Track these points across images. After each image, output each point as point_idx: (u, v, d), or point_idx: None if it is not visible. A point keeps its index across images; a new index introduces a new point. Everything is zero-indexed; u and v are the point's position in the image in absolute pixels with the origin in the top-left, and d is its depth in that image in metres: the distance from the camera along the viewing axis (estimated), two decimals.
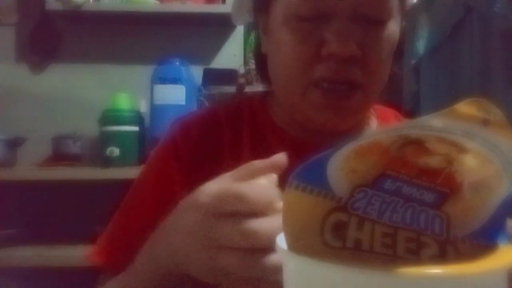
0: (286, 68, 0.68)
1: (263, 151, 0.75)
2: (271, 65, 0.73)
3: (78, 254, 1.68)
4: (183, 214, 0.53)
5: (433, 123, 0.29)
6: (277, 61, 0.70)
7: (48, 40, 2.15)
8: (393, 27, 0.67)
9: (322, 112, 0.67)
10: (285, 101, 0.74)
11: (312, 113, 0.68)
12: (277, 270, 0.42)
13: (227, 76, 1.94)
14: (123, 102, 1.92)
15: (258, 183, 0.48)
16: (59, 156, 1.98)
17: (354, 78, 0.65)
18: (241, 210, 0.46)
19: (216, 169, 0.75)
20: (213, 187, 0.50)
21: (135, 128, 1.89)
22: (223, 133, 0.76)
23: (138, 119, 1.92)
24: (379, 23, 0.65)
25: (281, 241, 0.35)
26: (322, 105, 0.67)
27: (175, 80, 1.90)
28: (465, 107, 0.28)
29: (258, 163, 0.51)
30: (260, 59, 0.77)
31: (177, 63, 1.93)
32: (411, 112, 1.69)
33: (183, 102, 1.89)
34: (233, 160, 0.74)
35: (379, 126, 0.79)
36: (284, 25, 0.67)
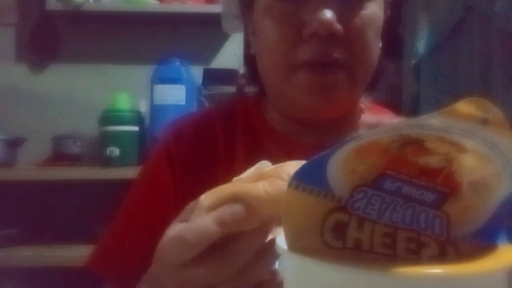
0: (271, 54, 0.68)
1: (257, 152, 0.75)
2: (259, 60, 0.73)
3: (78, 254, 1.68)
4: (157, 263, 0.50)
5: (432, 122, 0.29)
6: (263, 51, 0.70)
7: (48, 40, 2.15)
8: (375, 8, 0.67)
9: (308, 94, 0.66)
10: (273, 91, 0.73)
11: (299, 97, 0.67)
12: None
13: (227, 76, 1.94)
14: (123, 102, 1.92)
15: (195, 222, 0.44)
16: (59, 156, 1.98)
17: (338, 58, 0.65)
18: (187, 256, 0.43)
19: (211, 171, 0.75)
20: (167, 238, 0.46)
21: (135, 128, 1.89)
22: (217, 135, 0.76)
23: (138, 119, 1.92)
24: (359, 1, 0.65)
25: (281, 241, 0.35)
26: (308, 86, 0.66)
27: (175, 80, 1.90)
28: (464, 106, 0.28)
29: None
30: (250, 62, 0.77)
31: (177, 63, 1.93)
32: (411, 112, 1.69)
33: (183, 102, 1.89)
34: (228, 161, 0.74)
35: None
36: (266, 13, 0.67)
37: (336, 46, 0.64)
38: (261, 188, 0.42)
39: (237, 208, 0.42)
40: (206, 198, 0.44)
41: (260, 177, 0.45)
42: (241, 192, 0.43)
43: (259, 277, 0.45)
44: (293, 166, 0.44)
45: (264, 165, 0.47)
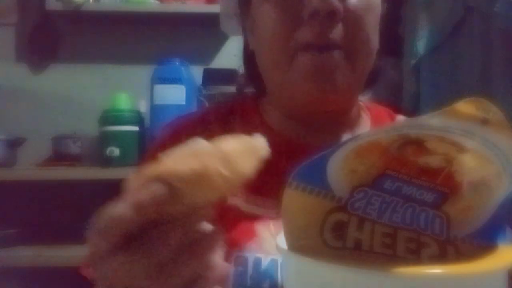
0: (271, 41, 0.68)
1: None
2: (258, 54, 0.73)
3: (78, 254, 1.68)
4: None
5: (432, 122, 0.29)
6: (262, 40, 0.70)
7: (48, 40, 2.14)
8: None
9: (309, 78, 0.66)
10: (273, 84, 0.72)
11: (299, 83, 0.67)
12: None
13: (227, 76, 1.93)
14: (123, 102, 1.92)
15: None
16: (59, 156, 1.98)
17: (337, 40, 0.65)
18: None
19: None
20: None
21: (135, 128, 1.89)
22: (214, 135, 0.75)
23: (138, 119, 1.92)
24: None
25: (281, 241, 0.35)
26: (308, 70, 0.65)
27: (175, 80, 1.90)
28: (464, 106, 0.28)
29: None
30: (249, 59, 0.77)
31: (177, 63, 1.93)
32: (411, 112, 1.69)
33: (183, 102, 1.89)
34: None
35: (372, 124, 0.78)
36: (266, 0, 0.68)
37: (335, 27, 0.64)
38: (186, 166, 0.37)
39: (156, 188, 0.37)
40: (131, 180, 0.40)
41: (191, 155, 0.39)
42: (164, 170, 0.38)
43: (192, 271, 0.40)
44: (228, 142, 0.40)
45: (198, 143, 0.42)
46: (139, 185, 0.39)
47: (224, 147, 0.39)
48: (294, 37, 0.66)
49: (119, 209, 0.38)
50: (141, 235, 0.38)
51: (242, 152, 0.40)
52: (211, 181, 0.37)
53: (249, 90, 0.86)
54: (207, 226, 0.41)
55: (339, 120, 0.74)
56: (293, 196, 0.34)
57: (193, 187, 0.38)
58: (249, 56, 0.77)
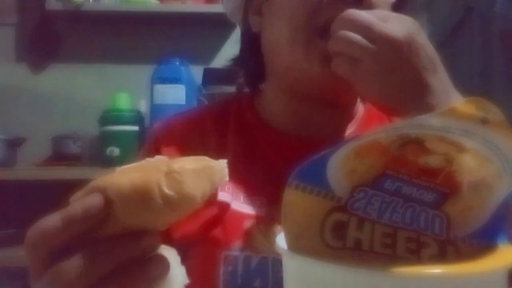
0: (292, 20, 0.66)
1: (250, 151, 0.74)
2: (269, 35, 0.72)
3: None
4: None
5: (432, 122, 0.29)
6: (279, 19, 0.68)
7: (48, 40, 2.14)
8: None
9: (326, 65, 0.63)
10: (285, 63, 0.70)
11: (315, 66, 0.65)
12: None
13: (227, 76, 1.93)
14: (123, 102, 1.92)
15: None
16: (59, 156, 1.98)
17: None
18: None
19: None
20: None
21: (135, 128, 1.89)
22: (208, 133, 0.75)
23: (138, 119, 1.92)
24: None
25: (281, 241, 0.35)
26: (326, 56, 0.63)
27: (175, 80, 1.90)
28: (464, 106, 0.28)
29: None
30: (249, 44, 0.76)
31: (177, 63, 1.93)
32: None
33: (183, 102, 1.89)
34: (219, 158, 0.73)
35: (365, 116, 0.77)
36: None
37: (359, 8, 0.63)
38: (128, 179, 0.35)
39: (90, 200, 0.36)
40: (77, 193, 0.38)
41: (140, 169, 0.37)
42: (105, 182, 0.36)
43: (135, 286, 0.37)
44: (181, 160, 0.37)
45: (158, 159, 0.39)
46: (80, 196, 0.37)
47: (174, 165, 0.36)
48: (316, 15, 0.64)
49: (49, 221, 0.37)
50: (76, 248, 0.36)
51: (195, 173, 0.36)
52: (150, 199, 0.34)
53: (248, 90, 0.85)
54: (156, 256, 0.38)
55: (338, 110, 0.73)
56: (293, 196, 0.34)
57: (129, 202, 0.35)
58: (249, 40, 0.76)
